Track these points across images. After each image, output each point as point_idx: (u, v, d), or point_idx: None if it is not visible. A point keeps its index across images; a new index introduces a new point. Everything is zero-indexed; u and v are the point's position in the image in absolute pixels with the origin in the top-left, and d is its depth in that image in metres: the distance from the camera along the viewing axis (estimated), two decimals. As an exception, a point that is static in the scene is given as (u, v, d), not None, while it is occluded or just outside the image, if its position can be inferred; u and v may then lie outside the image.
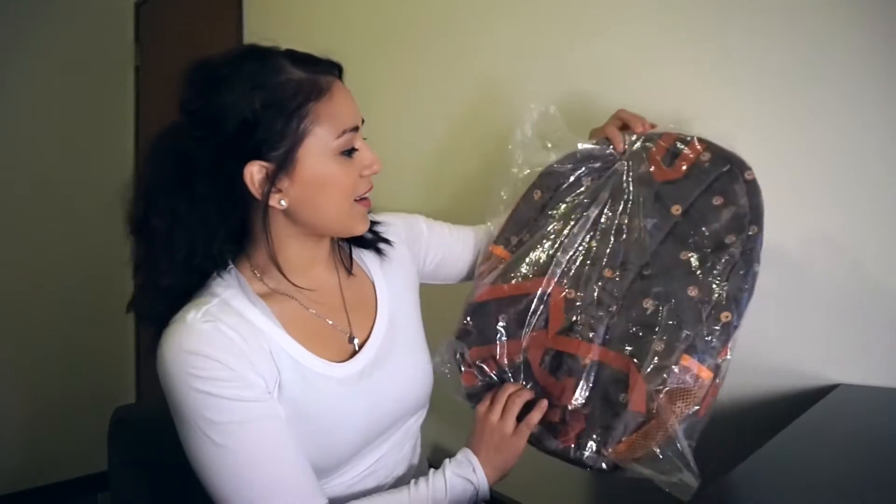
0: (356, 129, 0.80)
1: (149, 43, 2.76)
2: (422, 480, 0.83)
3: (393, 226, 0.99)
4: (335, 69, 0.81)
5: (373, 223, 0.95)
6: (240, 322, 0.76)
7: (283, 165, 0.75)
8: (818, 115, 0.95)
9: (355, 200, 0.82)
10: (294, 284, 0.82)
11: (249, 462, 0.72)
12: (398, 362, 0.89)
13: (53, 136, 2.60)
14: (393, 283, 0.95)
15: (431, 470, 0.84)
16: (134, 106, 2.82)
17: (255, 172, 0.75)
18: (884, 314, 0.90)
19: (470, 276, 1.06)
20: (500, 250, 0.99)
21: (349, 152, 0.79)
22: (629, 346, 0.83)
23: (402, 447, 0.91)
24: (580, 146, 0.98)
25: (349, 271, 0.92)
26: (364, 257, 0.95)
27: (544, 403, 0.87)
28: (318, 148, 0.76)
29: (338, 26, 1.79)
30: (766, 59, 0.99)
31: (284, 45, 0.81)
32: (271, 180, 0.75)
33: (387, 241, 0.96)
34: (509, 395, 0.88)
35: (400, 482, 0.89)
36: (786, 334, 0.99)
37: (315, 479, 0.76)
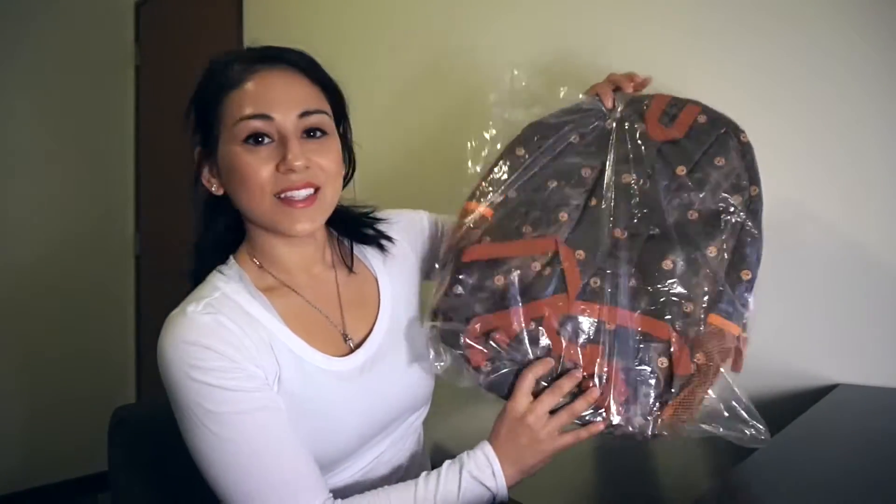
0: (262, 116, 0.77)
1: (149, 43, 2.76)
2: (433, 474, 0.76)
3: (396, 223, 0.99)
4: (273, 59, 0.81)
5: (375, 220, 0.96)
6: (240, 315, 0.77)
7: (208, 151, 0.82)
8: (819, 115, 0.95)
9: (278, 198, 0.78)
10: (256, 285, 0.84)
11: (250, 453, 0.72)
12: (399, 359, 0.88)
13: (53, 136, 2.60)
14: (396, 279, 0.95)
15: (446, 462, 0.77)
16: (134, 106, 2.82)
17: (196, 157, 0.84)
18: (884, 314, 0.90)
19: None
20: (481, 207, 0.90)
21: (254, 140, 0.77)
22: (656, 308, 0.80)
23: (403, 444, 0.91)
24: (562, 91, 0.95)
25: (350, 268, 0.92)
26: (367, 254, 0.95)
27: (591, 394, 0.77)
28: (225, 135, 0.79)
29: (337, 26, 1.79)
30: (766, 58, 0.99)
31: (285, 45, 0.83)
32: (198, 162, 0.84)
33: (388, 238, 0.96)
34: (547, 390, 0.77)
35: (401, 480, 0.88)
36: (785, 334, 0.99)
37: (318, 471, 0.76)
